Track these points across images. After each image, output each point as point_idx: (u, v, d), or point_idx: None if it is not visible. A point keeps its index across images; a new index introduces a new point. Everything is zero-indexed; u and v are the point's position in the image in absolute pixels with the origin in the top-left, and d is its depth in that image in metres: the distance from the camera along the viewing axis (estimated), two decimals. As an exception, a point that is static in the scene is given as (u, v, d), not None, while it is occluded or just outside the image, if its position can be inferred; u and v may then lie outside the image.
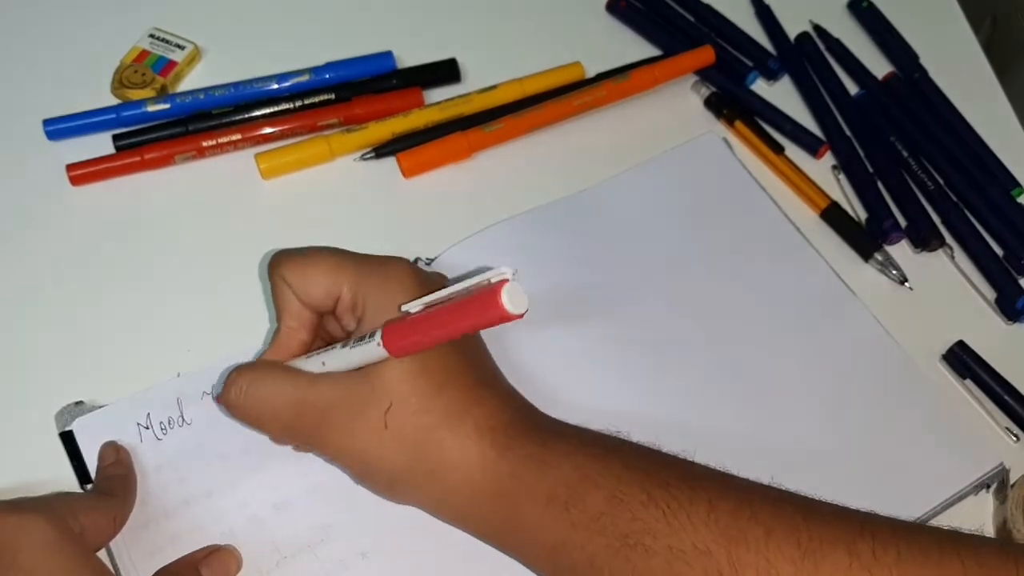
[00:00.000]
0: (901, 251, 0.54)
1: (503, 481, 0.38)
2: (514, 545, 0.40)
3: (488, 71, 0.59)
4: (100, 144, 0.55)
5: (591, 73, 0.59)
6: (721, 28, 0.62)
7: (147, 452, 0.44)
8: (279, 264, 0.42)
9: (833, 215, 0.54)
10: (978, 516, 0.46)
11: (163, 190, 0.54)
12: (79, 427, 0.45)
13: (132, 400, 0.46)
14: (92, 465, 0.44)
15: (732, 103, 0.58)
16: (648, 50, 0.61)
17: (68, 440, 0.45)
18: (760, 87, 0.60)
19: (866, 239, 0.54)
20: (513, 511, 0.38)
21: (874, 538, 0.35)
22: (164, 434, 0.45)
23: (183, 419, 0.45)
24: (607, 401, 0.46)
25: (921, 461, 0.46)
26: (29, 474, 0.44)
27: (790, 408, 0.47)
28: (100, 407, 0.46)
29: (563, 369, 0.47)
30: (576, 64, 0.59)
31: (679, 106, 0.59)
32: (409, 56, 0.59)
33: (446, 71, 0.59)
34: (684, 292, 0.51)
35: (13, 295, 0.50)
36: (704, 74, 0.59)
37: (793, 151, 0.57)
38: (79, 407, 0.46)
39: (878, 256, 0.53)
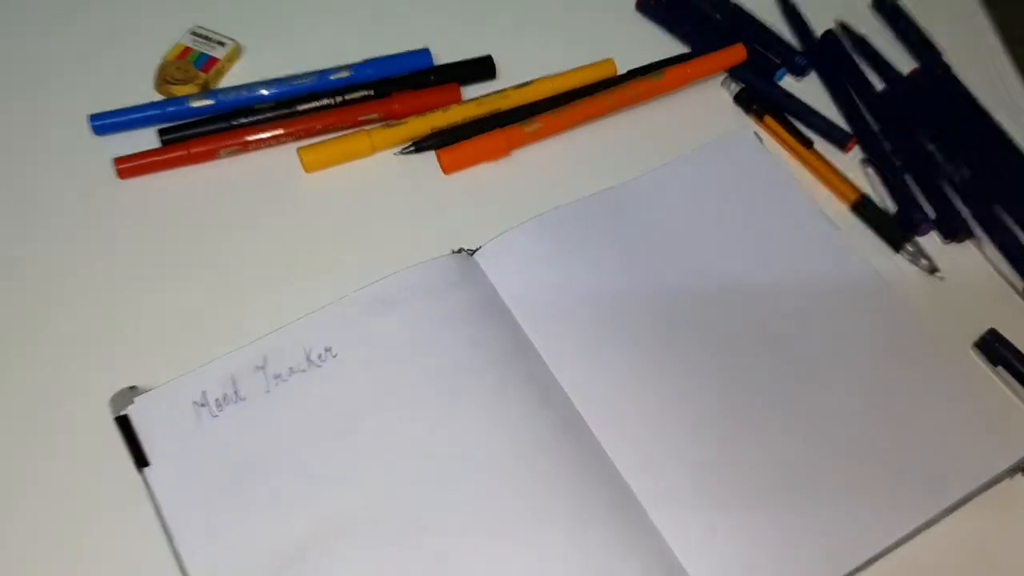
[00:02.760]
0: (931, 242, 0.55)
1: None
2: None
3: (520, 69, 0.60)
4: (144, 139, 0.56)
5: (621, 70, 0.60)
6: (748, 26, 0.63)
7: (204, 430, 0.45)
8: None
9: (863, 208, 0.56)
10: (1012, 500, 0.47)
11: (208, 183, 0.55)
12: (134, 410, 0.46)
13: (186, 379, 0.47)
14: (148, 448, 0.45)
15: (761, 99, 0.59)
16: (674, 47, 0.62)
17: (123, 424, 0.45)
18: (788, 83, 0.61)
19: (896, 231, 0.55)
20: None
21: None
22: (220, 411, 0.46)
23: (237, 395, 0.46)
24: (642, 388, 0.48)
25: (955, 446, 0.47)
26: (86, 460, 0.45)
27: (826, 393, 0.48)
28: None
29: (603, 360, 0.48)
30: (609, 61, 0.60)
31: (709, 102, 0.60)
32: (442, 53, 0.61)
33: (482, 68, 0.60)
34: (722, 282, 0.52)
35: (64, 286, 0.51)
36: (733, 71, 0.61)
37: (821, 145, 0.58)
38: (133, 391, 0.46)
39: (909, 247, 0.54)
